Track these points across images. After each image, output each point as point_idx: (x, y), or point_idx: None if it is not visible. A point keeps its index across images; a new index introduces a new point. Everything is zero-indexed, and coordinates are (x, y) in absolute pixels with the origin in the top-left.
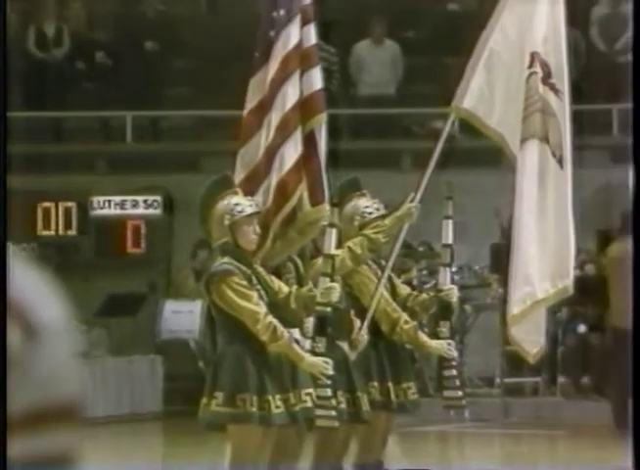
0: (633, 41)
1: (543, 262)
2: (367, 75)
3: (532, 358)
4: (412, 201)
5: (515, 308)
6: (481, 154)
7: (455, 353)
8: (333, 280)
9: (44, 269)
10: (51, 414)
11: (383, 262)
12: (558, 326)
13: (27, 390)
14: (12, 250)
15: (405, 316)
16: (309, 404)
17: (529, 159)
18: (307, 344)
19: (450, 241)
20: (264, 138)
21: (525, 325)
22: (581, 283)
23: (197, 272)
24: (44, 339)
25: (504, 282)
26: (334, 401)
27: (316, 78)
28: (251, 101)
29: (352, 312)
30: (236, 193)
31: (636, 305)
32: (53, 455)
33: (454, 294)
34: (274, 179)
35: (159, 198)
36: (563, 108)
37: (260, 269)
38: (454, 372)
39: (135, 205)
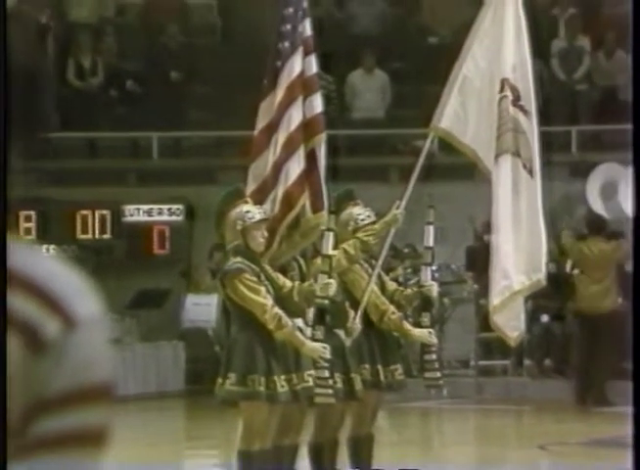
0: (633, 59)
1: (519, 259)
2: (360, 101)
3: (514, 341)
4: (398, 208)
5: (496, 300)
6: (457, 168)
7: (435, 340)
8: (330, 277)
9: (82, 268)
10: (87, 394)
11: (373, 262)
12: (526, 315)
13: (66, 373)
14: (54, 251)
15: (392, 308)
16: (310, 384)
17: (504, 171)
18: (308, 331)
19: (431, 244)
20: (272, 155)
21: (506, 313)
22: (547, 276)
23: (212, 271)
24: (81, 328)
25: (478, 279)
26: (331, 381)
27: (317, 103)
28: (261, 122)
29: (347, 304)
30: (246, 202)
31: (636, 303)
32: (89, 430)
33: (434, 289)
34: (280, 190)
35: (181, 206)
36: (531, 126)
37: (268, 267)
38: (434, 356)
39: (160, 212)
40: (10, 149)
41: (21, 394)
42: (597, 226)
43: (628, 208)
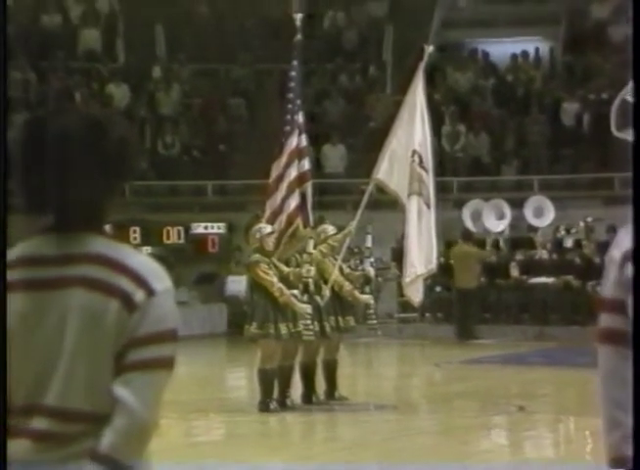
0: (633, 62)
1: (420, 256)
2: (329, 163)
3: (416, 304)
4: (351, 226)
5: (407, 279)
6: (387, 202)
7: (373, 302)
8: (311, 266)
9: (166, 261)
10: (161, 337)
11: (336, 256)
12: (426, 288)
13: (148, 323)
14: (150, 251)
15: (347, 283)
16: (300, 329)
17: (413, 205)
18: (299, 297)
19: (370, 245)
20: (280, 195)
21: (412, 288)
22: (437, 266)
23: (236, 262)
24: (157, 297)
25: (399, 267)
26: (312, 327)
27: (306, 164)
28: (274, 175)
29: (321, 282)
30: (261, 222)
31: (636, 302)
32: (162, 359)
33: (372, 272)
34: (284, 215)
35: (224, 224)
36: (429, 178)
37: (275, 260)
38: (372, 311)
39: (212, 228)
40: (112, 188)
41: (119, 337)
42: (465, 236)
43: (490, 226)
